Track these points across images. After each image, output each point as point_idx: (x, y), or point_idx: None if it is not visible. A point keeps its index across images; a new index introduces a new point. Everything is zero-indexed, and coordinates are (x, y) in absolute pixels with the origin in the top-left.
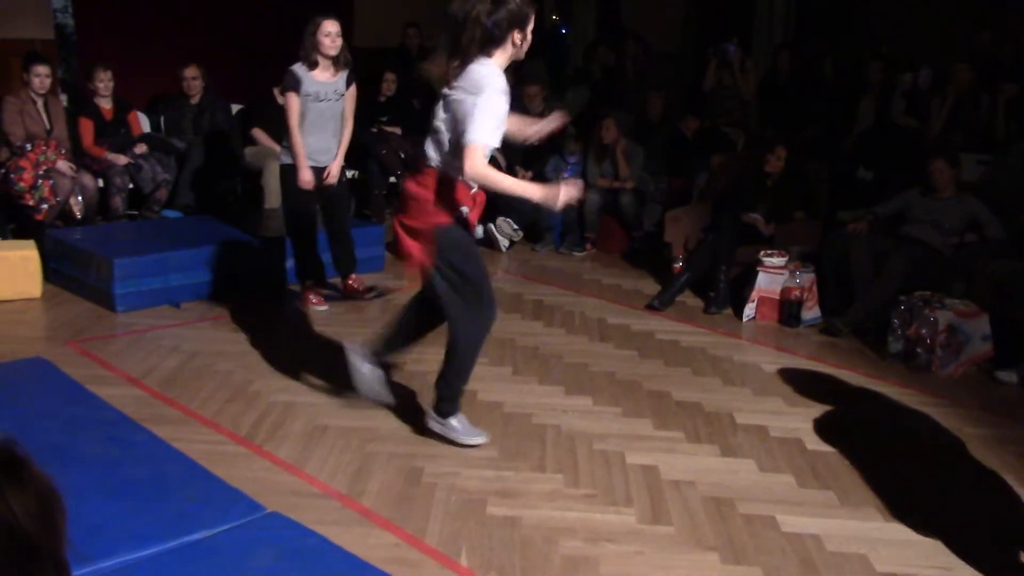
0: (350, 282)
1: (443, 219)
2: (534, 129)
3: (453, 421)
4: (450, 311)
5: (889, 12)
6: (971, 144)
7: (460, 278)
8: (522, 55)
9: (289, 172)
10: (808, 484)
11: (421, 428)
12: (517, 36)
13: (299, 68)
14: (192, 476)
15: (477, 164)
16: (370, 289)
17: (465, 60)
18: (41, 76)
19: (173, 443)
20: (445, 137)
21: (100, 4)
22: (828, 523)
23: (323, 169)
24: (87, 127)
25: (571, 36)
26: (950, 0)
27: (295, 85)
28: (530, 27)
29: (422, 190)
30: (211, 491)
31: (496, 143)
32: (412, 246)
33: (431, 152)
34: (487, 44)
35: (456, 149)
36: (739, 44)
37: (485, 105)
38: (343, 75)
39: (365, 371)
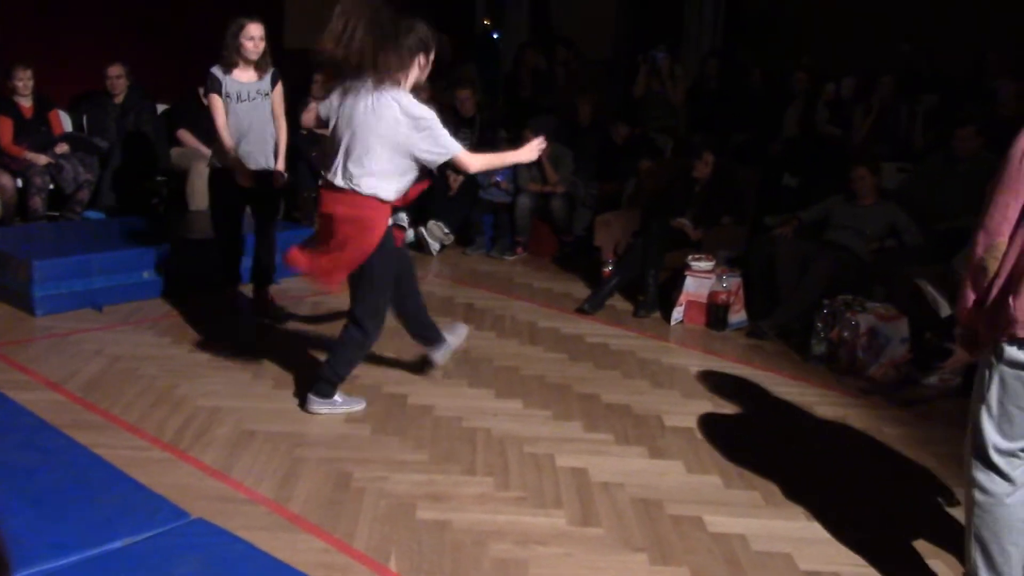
0: (263, 292)
1: (380, 231)
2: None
3: (337, 397)
4: (368, 308)
5: (813, 22)
6: (891, 153)
7: (382, 283)
8: (423, 79)
9: (217, 175)
10: (734, 485)
11: (350, 432)
12: (422, 60)
13: (217, 70)
14: (114, 482)
15: (472, 162)
16: (275, 308)
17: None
18: None
19: (94, 449)
20: (377, 155)
21: (21, 2)
22: (753, 523)
23: (256, 173)
24: (6, 125)
25: (502, 41)
26: (872, 11)
27: (216, 87)
28: (432, 56)
29: (355, 210)
30: (134, 498)
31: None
32: (343, 260)
33: (356, 171)
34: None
35: (405, 166)
36: (668, 52)
37: (435, 124)
38: (268, 75)
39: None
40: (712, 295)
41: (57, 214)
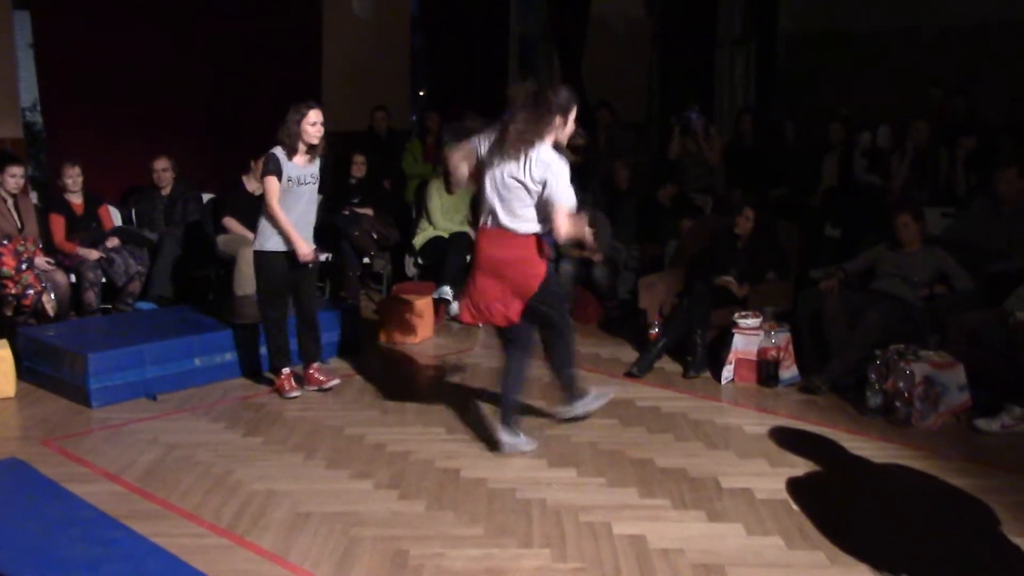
0: (311, 371)
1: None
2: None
3: (589, 394)
4: (557, 318)
5: (844, 73)
6: (934, 198)
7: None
8: (564, 139)
9: (263, 258)
10: (797, 545)
11: (405, 509)
12: (560, 121)
13: (279, 152)
14: (174, 572)
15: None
16: (330, 382)
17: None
18: (16, 177)
19: (154, 538)
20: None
21: (68, 101)
22: None
23: (294, 252)
24: (58, 223)
25: None
26: (903, 60)
27: (276, 169)
28: (572, 115)
29: (522, 251)
30: None
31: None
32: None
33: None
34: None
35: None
36: (701, 111)
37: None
38: (317, 160)
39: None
40: (762, 352)
41: (110, 307)
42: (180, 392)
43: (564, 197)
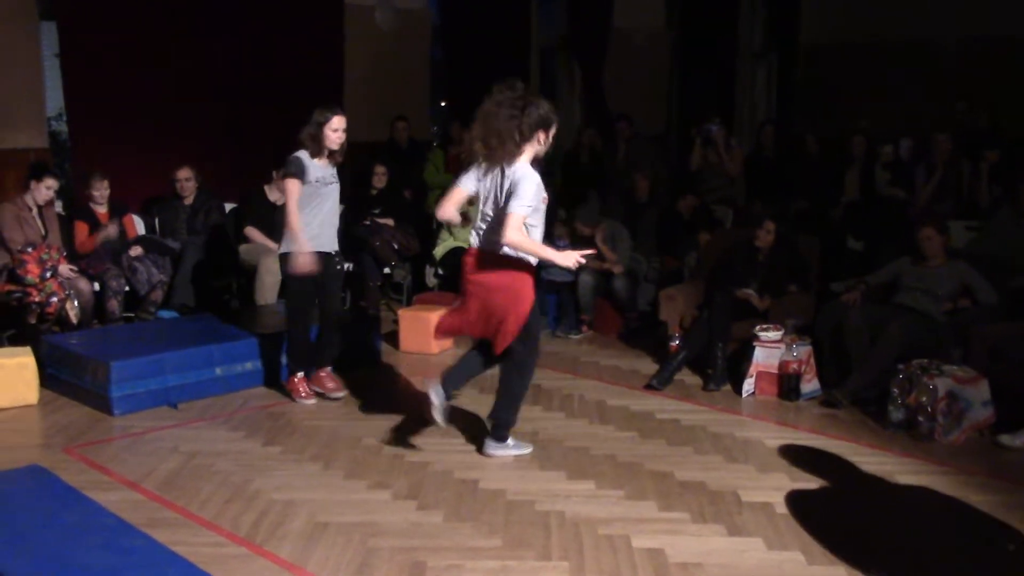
0: (322, 375)
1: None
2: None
3: (509, 441)
4: (523, 355)
5: (866, 85)
6: (958, 211)
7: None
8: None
9: (289, 260)
10: (817, 561)
11: (423, 520)
12: (542, 136)
13: (304, 155)
14: None
15: (513, 233)
16: (337, 391)
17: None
18: (51, 189)
19: (173, 547)
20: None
21: (93, 111)
22: None
23: (323, 255)
24: (81, 229)
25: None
26: (925, 73)
27: (300, 171)
28: (553, 131)
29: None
30: None
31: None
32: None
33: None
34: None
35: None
36: (722, 123)
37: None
38: (335, 165)
39: (437, 402)
40: (783, 365)
41: (132, 315)
42: (201, 401)
43: (517, 206)
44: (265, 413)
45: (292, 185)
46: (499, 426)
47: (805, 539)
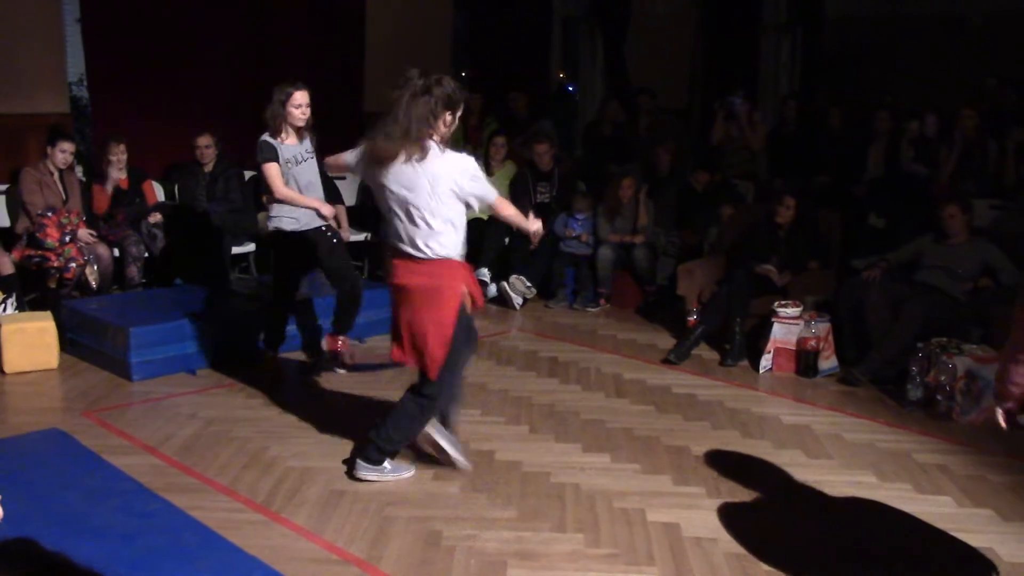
0: (339, 342)
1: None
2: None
3: (386, 465)
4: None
5: (892, 60)
6: (982, 190)
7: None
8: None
9: (279, 237)
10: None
11: (439, 490)
12: (448, 118)
13: (269, 138)
14: (209, 545)
15: (500, 204)
16: (345, 364)
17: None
18: (67, 152)
19: (190, 512)
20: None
21: (114, 77)
22: None
23: (311, 231)
24: (101, 195)
25: (579, 94)
26: (953, 48)
27: (272, 154)
28: (459, 113)
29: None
30: (229, 560)
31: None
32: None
33: (421, 241)
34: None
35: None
36: (745, 96)
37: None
38: (307, 138)
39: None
40: (801, 341)
41: (151, 281)
42: (219, 368)
43: (486, 192)
44: (282, 381)
45: (271, 169)
46: (378, 448)
47: (819, 516)
